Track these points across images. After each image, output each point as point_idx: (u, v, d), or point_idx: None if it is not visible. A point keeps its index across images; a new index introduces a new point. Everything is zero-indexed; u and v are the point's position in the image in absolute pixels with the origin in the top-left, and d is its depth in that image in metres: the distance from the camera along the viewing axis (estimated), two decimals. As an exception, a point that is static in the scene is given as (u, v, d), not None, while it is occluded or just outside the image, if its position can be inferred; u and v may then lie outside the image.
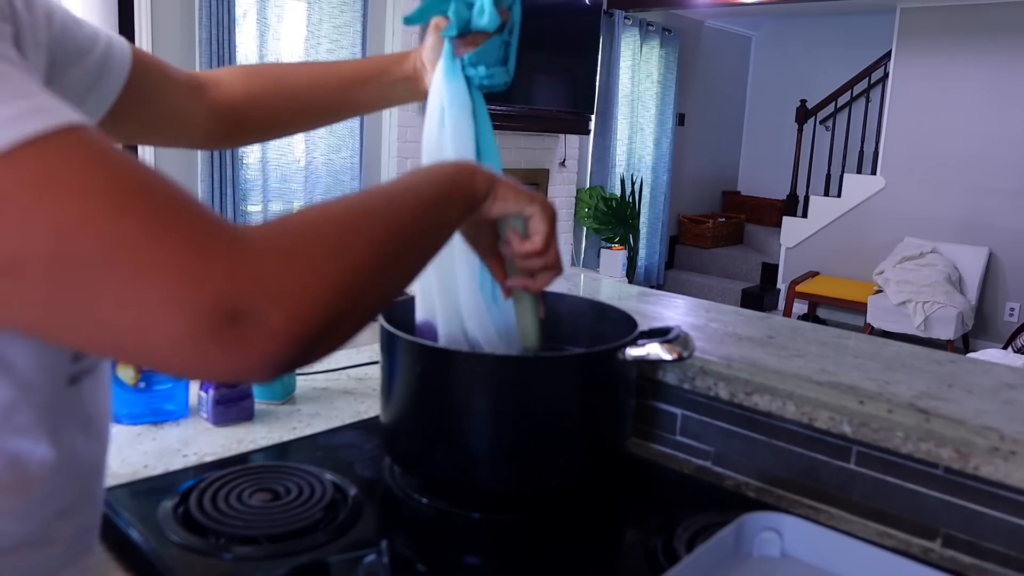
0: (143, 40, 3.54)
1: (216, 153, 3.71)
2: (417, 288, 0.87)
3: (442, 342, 0.84)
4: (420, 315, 0.88)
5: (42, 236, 0.35)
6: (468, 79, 0.80)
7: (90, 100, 0.64)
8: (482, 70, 0.79)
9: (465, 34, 0.79)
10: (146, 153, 3.60)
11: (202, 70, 3.75)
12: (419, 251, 0.53)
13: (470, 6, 0.78)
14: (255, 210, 4.00)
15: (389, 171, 4.46)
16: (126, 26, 3.51)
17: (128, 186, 0.37)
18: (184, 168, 3.71)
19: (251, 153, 3.91)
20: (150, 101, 0.73)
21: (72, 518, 0.56)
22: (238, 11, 3.72)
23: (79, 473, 0.56)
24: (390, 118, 4.38)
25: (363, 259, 0.45)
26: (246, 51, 3.82)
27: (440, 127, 0.80)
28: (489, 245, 0.75)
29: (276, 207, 4.11)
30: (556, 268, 0.74)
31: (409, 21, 0.80)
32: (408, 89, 0.87)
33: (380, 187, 0.54)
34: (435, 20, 0.80)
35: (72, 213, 0.35)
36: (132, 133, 0.77)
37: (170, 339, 0.37)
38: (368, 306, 0.46)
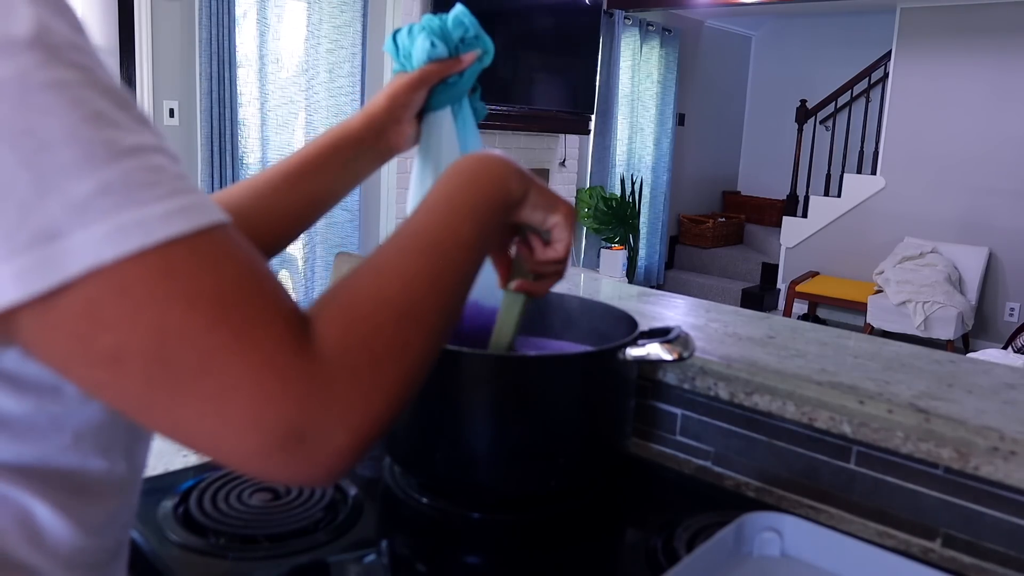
0: (143, 41, 3.54)
1: (216, 153, 3.71)
2: None
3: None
4: None
5: (146, 337, 0.37)
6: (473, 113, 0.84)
7: None
8: (480, 104, 0.84)
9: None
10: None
11: (201, 73, 3.72)
12: (463, 296, 0.52)
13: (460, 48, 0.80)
14: (255, 210, 4.00)
15: (390, 173, 4.46)
16: (126, 26, 3.51)
17: (231, 294, 0.39)
18: (184, 167, 3.71)
19: (251, 153, 3.91)
20: None
21: (128, 529, 0.56)
22: (238, 11, 3.72)
23: (138, 484, 0.56)
24: (390, 118, 4.38)
25: (423, 352, 0.46)
26: (246, 51, 3.83)
27: (454, 151, 0.81)
28: (500, 243, 0.71)
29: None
30: (563, 274, 0.72)
31: (437, 106, 0.80)
32: (368, 158, 0.80)
33: (424, 228, 0.51)
34: (420, 74, 0.78)
35: (176, 320, 0.37)
36: None
37: (240, 453, 0.40)
38: (421, 382, 0.47)
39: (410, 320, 0.45)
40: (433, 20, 0.78)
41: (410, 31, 0.78)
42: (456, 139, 0.81)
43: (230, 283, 0.39)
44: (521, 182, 0.61)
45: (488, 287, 0.80)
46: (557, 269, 0.70)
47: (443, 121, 0.80)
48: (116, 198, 0.36)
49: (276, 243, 0.80)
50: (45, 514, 0.45)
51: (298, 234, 0.82)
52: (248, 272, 0.40)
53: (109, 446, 0.48)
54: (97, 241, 0.35)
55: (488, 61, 0.81)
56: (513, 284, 0.73)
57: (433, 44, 0.77)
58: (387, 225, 4.54)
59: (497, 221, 0.58)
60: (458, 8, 0.80)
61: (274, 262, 4.09)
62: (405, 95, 0.78)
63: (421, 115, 0.82)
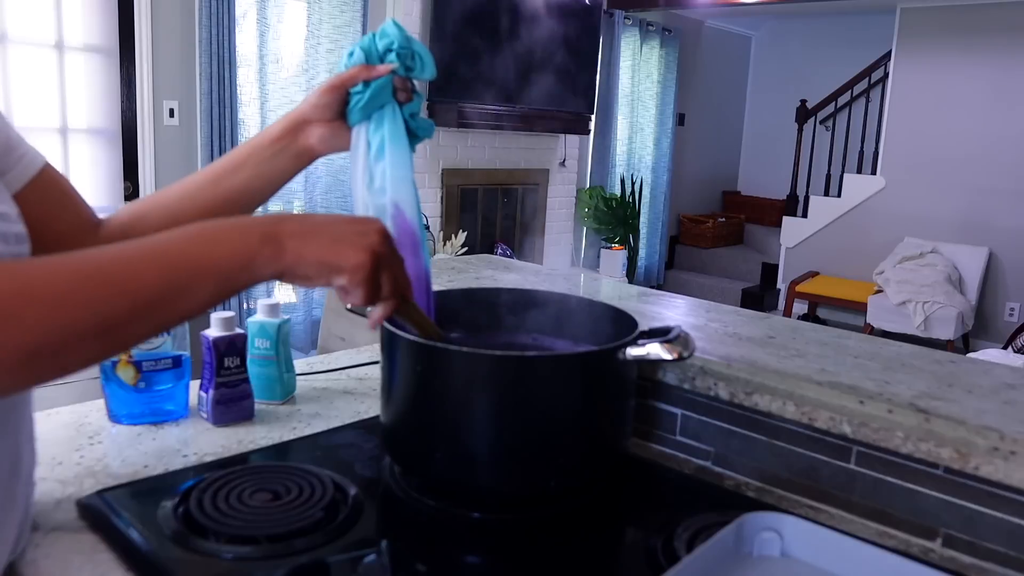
0: (143, 41, 3.54)
1: (216, 153, 3.71)
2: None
3: None
4: None
5: None
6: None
7: None
8: (420, 119, 0.84)
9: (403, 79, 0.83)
10: (147, 162, 3.60)
11: (201, 73, 3.72)
12: (108, 337, 0.52)
13: (406, 57, 0.81)
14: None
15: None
16: (126, 26, 3.51)
17: None
18: (184, 167, 3.71)
19: (251, 153, 3.91)
20: (41, 218, 0.72)
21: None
22: (238, 11, 3.72)
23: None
24: (390, 118, 4.38)
25: (34, 336, 0.47)
26: (246, 51, 3.83)
27: (375, 162, 0.80)
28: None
29: (275, 207, 4.11)
30: (389, 302, 0.68)
31: (354, 116, 0.81)
32: (286, 157, 0.84)
33: (118, 258, 0.53)
34: (334, 77, 0.81)
35: None
36: None
37: None
38: (45, 375, 0.49)
39: (33, 301, 0.48)
40: (368, 34, 0.81)
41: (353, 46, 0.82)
42: (364, 153, 0.81)
43: None
44: (275, 255, 0.58)
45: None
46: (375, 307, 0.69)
47: (360, 134, 0.82)
48: None
49: None
50: None
51: None
52: None
53: None
54: None
55: (426, 75, 0.82)
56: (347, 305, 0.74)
57: (351, 53, 0.80)
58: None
59: (214, 285, 0.56)
60: (388, 20, 0.82)
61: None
62: (317, 97, 0.82)
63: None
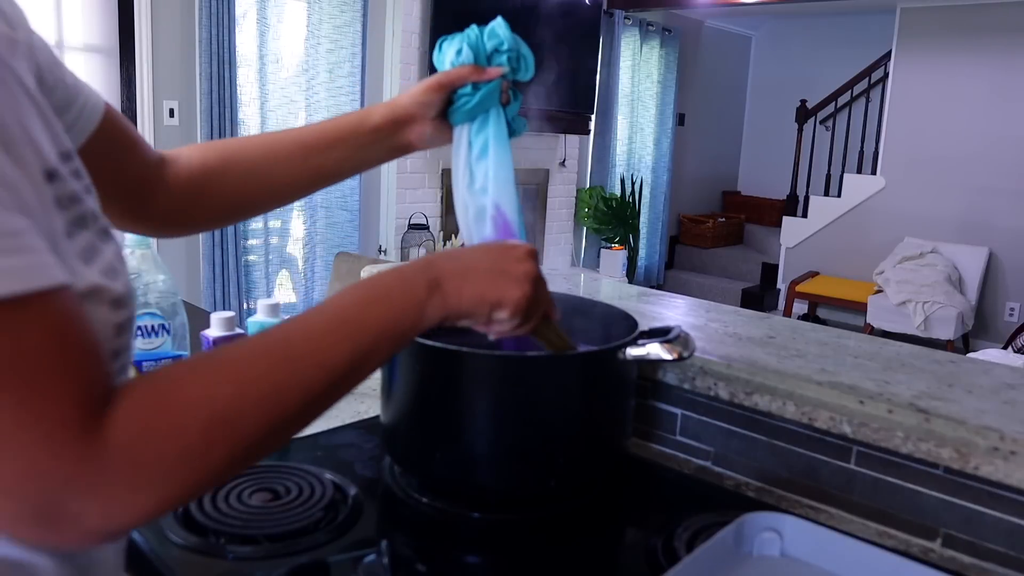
0: (143, 41, 3.54)
1: (216, 153, 3.71)
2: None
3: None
4: None
5: None
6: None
7: None
8: (519, 119, 0.84)
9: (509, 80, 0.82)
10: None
11: (201, 73, 3.71)
12: (308, 414, 0.51)
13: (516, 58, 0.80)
14: (255, 210, 4.00)
15: (390, 173, 4.45)
16: (126, 26, 3.51)
17: (27, 363, 0.39)
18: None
19: (251, 153, 3.90)
20: (109, 167, 0.66)
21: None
22: (238, 11, 3.72)
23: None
24: (390, 118, 4.38)
25: (227, 460, 0.46)
26: (246, 51, 3.83)
27: (477, 162, 0.79)
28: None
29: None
30: (531, 324, 0.68)
31: (458, 118, 0.79)
32: (383, 147, 0.82)
33: (295, 337, 0.52)
34: (441, 75, 0.79)
35: None
36: None
37: None
38: (221, 482, 0.48)
39: (224, 427, 0.45)
40: (473, 29, 0.79)
41: (452, 38, 0.80)
42: (465, 153, 0.80)
43: (30, 352, 0.39)
44: (441, 301, 0.59)
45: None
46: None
47: (462, 134, 0.80)
48: None
49: (277, 201, 0.85)
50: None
51: (299, 198, 0.87)
52: (54, 345, 0.40)
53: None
54: None
55: (526, 76, 0.82)
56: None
57: (459, 51, 0.78)
58: (387, 225, 4.54)
59: (393, 342, 0.57)
60: (497, 20, 0.80)
61: (274, 262, 4.09)
62: (423, 94, 0.79)
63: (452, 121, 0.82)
